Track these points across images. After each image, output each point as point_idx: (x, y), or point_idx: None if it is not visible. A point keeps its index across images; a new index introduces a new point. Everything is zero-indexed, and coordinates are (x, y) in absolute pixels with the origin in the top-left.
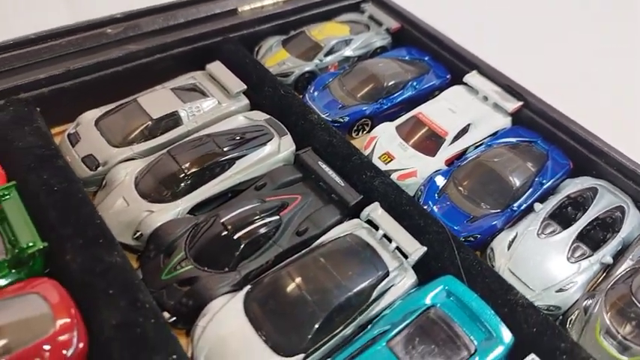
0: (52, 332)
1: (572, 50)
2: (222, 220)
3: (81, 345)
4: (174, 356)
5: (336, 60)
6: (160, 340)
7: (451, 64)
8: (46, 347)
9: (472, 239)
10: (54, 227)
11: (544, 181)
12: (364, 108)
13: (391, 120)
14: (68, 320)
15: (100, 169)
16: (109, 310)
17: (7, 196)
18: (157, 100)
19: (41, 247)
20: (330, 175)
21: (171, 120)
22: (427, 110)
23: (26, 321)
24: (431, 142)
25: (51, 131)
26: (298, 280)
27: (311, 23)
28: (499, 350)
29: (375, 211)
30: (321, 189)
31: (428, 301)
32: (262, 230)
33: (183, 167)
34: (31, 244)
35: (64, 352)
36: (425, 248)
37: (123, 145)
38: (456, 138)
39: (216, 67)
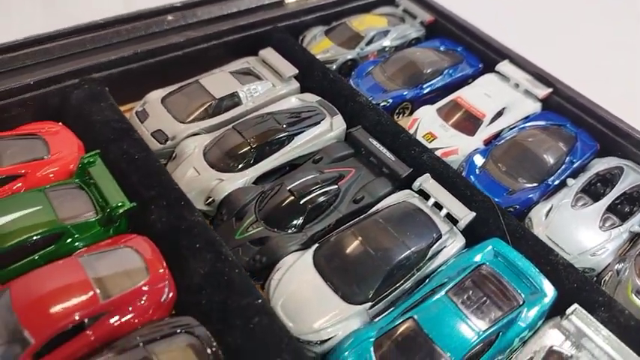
0: (147, 280)
1: (596, 40)
2: (288, 188)
3: (171, 294)
4: (259, 300)
5: (375, 49)
6: (245, 287)
7: (482, 54)
8: (144, 293)
9: (511, 210)
10: (137, 191)
11: (574, 160)
12: (405, 93)
13: (429, 105)
14: (161, 270)
15: (168, 142)
16: (197, 262)
17: (93, 163)
18: (217, 82)
19: (130, 206)
20: (381, 150)
21: (232, 100)
22: (465, 94)
23: (124, 270)
24: (470, 123)
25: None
26: (363, 239)
27: (349, 15)
28: (544, 302)
29: (426, 181)
30: (372, 164)
31: (478, 259)
32: (324, 197)
33: (249, 141)
34: (120, 204)
35: (158, 298)
36: (474, 214)
37: (189, 122)
38: (493, 120)
39: (269, 53)
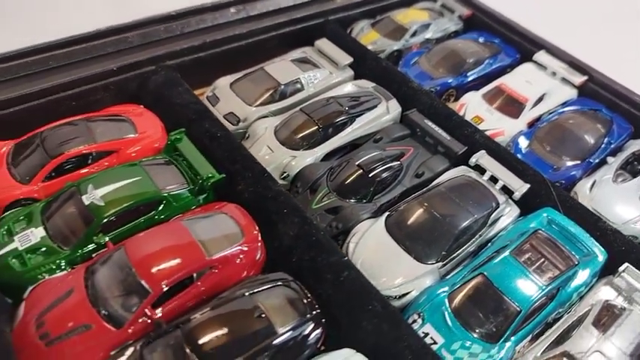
0: (243, 241)
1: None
2: (357, 163)
3: (263, 254)
4: (345, 258)
5: (418, 41)
6: (332, 246)
7: (519, 45)
8: (240, 252)
9: (557, 185)
10: (223, 164)
11: (612, 141)
12: (450, 80)
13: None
14: (254, 232)
15: (240, 124)
16: (286, 225)
17: (180, 140)
18: (281, 69)
19: (219, 177)
20: (436, 130)
21: (295, 85)
22: (508, 81)
23: (222, 232)
24: (514, 108)
25: None
26: (431, 207)
27: (392, 10)
28: (596, 262)
29: (482, 157)
30: (428, 143)
31: (534, 225)
32: (389, 172)
33: (316, 122)
34: (210, 175)
35: (253, 257)
36: (528, 185)
37: (258, 105)
38: (535, 104)
39: (324, 43)
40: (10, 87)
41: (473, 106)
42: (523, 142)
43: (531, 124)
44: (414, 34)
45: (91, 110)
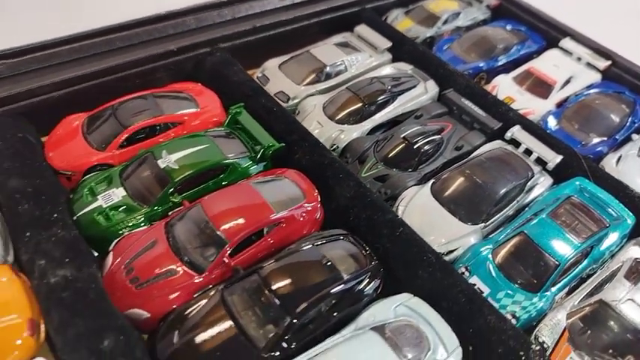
0: (305, 201)
1: None
2: (402, 136)
3: (321, 214)
4: (399, 217)
5: (449, 29)
6: (386, 206)
7: (544, 32)
8: (303, 211)
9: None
10: (280, 136)
11: (635, 120)
12: (481, 64)
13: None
14: (315, 194)
15: (290, 102)
16: (342, 187)
17: (240, 113)
18: (326, 52)
19: (279, 146)
20: (473, 107)
21: (339, 67)
22: (536, 65)
23: (285, 193)
24: (543, 89)
25: None
26: (473, 174)
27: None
28: (626, 225)
29: (517, 131)
30: (465, 120)
31: (567, 192)
32: (431, 144)
33: (362, 99)
34: (271, 144)
35: (314, 215)
36: (561, 156)
37: (306, 84)
38: (562, 86)
39: (363, 29)
40: (81, 65)
41: (504, 88)
42: (552, 121)
43: (559, 105)
44: (445, 22)
45: (151, 87)
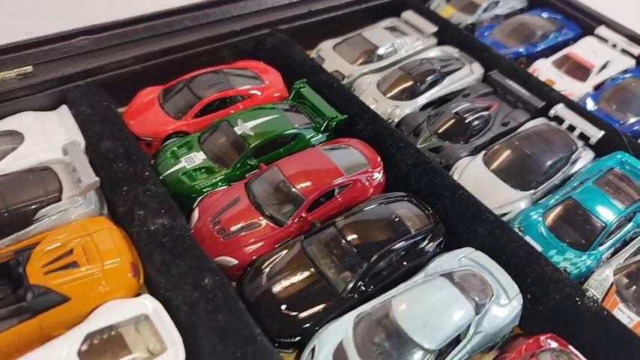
0: (370, 166)
1: None
2: (453, 111)
3: (384, 179)
4: (457, 182)
5: (489, 16)
6: (445, 172)
7: (580, 21)
8: (368, 175)
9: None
10: (341, 109)
11: None
12: (521, 50)
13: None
14: (378, 160)
15: (345, 80)
16: (403, 155)
17: (303, 88)
18: (377, 35)
19: (343, 118)
20: (517, 87)
21: (390, 49)
22: (575, 50)
23: (351, 159)
24: (581, 72)
25: None
26: (521, 146)
27: None
28: None
29: (562, 108)
30: (509, 100)
31: (610, 164)
32: (480, 119)
33: (414, 78)
34: (335, 116)
35: (377, 180)
36: (603, 132)
37: (359, 64)
38: (600, 70)
39: (410, 14)
40: (153, 42)
41: (544, 71)
42: (590, 103)
43: (596, 88)
44: (485, 10)
45: (216, 64)
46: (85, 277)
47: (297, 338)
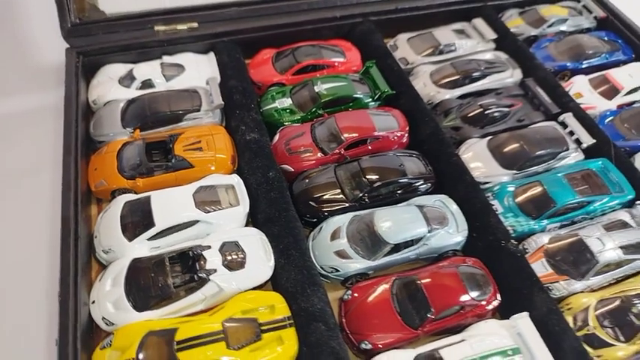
0: (398, 128)
1: None
2: (478, 103)
3: (408, 139)
4: (456, 152)
5: (553, 31)
6: (449, 143)
7: (637, 46)
8: (395, 135)
9: (623, 150)
10: (394, 86)
11: None
12: (568, 64)
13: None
14: (405, 126)
15: (408, 66)
16: (425, 127)
17: (372, 66)
18: (443, 34)
19: (391, 92)
20: (542, 94)
21: (451, 47)
22: (613, 72)
23: (386, 122)
24: (610, 91)
25: None
26: (519, 137)
27: (541, 4)
28: (624, 197)
29: (569, 116)
30: (534, 103)
31: (589, 166)
32: (498, 113)
33: (459, 72)
34: (387, 90)
35: (402, 139)
36: (594, 140)
37: (423, 56)
38: (628, 92)
39: (478, 21)
40: (274, 18)
41: (578, 85)
42: (607, 117)
43: (620, 107)
44: (550, 25)
45: (318, 40)
46: (204, 157)
47: (315, 220)
